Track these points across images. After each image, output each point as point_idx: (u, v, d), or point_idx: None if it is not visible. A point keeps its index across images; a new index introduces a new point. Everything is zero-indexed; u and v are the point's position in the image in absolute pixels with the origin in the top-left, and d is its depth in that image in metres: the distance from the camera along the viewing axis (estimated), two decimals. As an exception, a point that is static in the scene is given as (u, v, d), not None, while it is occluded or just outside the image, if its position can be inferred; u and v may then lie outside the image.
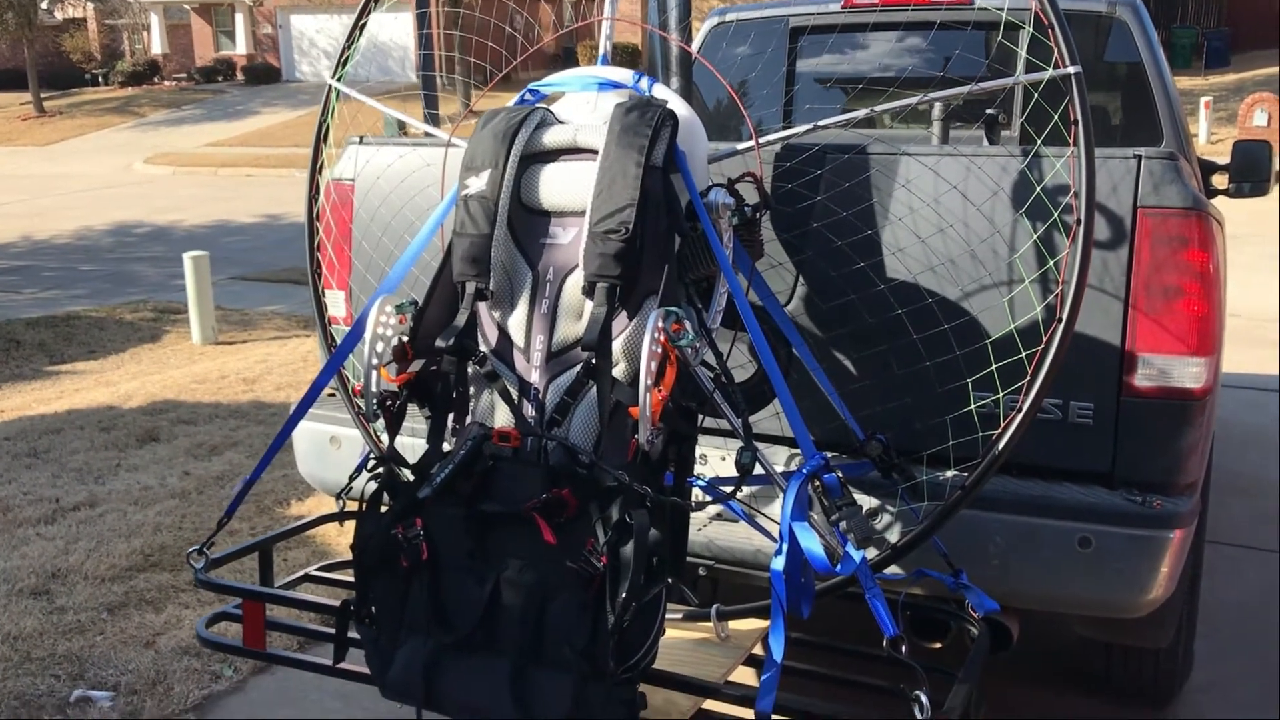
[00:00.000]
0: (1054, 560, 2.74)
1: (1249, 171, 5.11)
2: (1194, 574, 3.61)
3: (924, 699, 2.09)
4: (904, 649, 2.13)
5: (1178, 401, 2.74)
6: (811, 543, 2.17)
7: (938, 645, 2.87)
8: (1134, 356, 2.75)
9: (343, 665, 2.58)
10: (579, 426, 2.34)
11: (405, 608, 2.40)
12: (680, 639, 2.74)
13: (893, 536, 2.72)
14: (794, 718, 2.16)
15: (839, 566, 2.17)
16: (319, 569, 3.17)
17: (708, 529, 3.07)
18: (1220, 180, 5.37)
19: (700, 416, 2.59)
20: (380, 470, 2.45)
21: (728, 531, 3.02)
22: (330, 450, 3.44)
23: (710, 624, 2.74)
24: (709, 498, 2.59)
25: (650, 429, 2.19)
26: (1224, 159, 5.36)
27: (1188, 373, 2.73)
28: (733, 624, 2.76)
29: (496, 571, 2.33)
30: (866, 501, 2.74)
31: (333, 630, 2.56)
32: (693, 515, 3.07)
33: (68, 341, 10.60)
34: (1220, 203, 5.70)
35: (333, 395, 3.46)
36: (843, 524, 2.19)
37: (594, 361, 2.29)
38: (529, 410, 2.40)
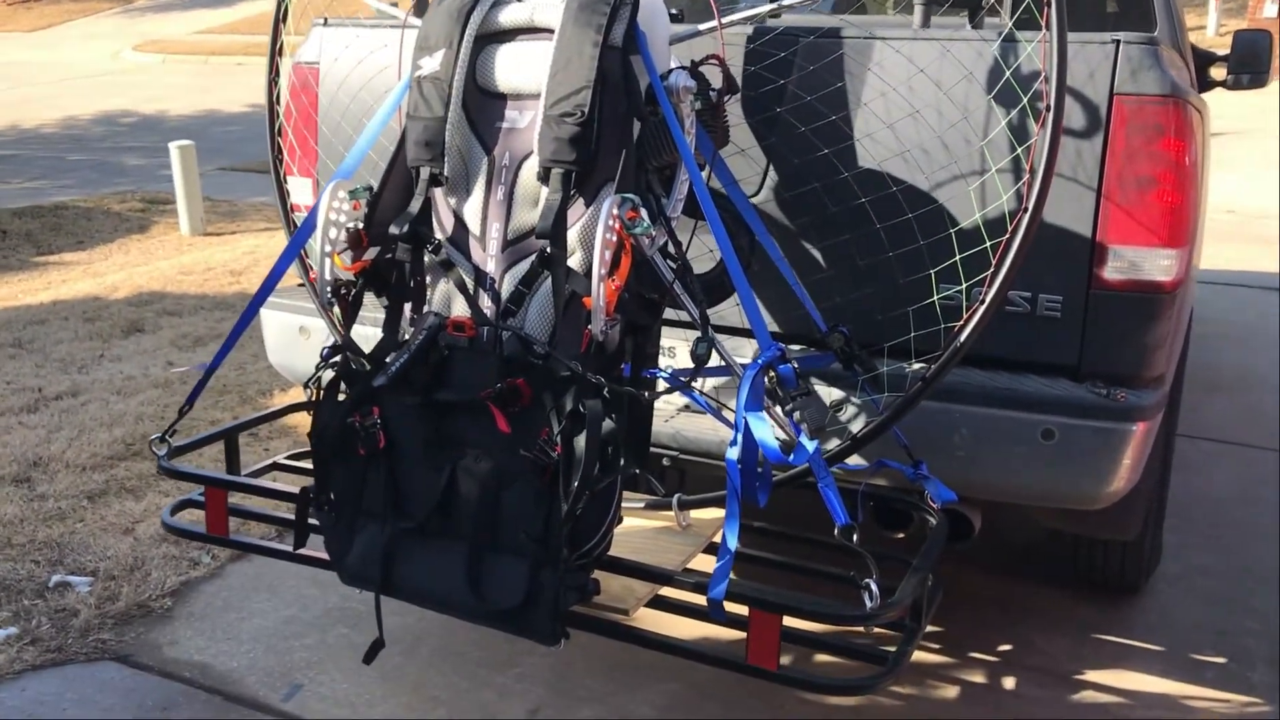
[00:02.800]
0: (1017, 452, 2.73)
1: (1248, 62, 5.00)
2: (1163, 467, 3.62)
3: (874, 587, 2.11)
4: (854, 538, 2.13)
5: (1147, 294, 2.71)
6: (764, 433, 2.16)
7: (901, 535, 2.89)
8: (1104, 248, 2.71)
9: (303, 551, 2.60)
10: (535, 317, 2.31)
11: (363, 495, 2.41)
12: (642, 528, 2.75)
13: (855, 428, 2.71)
14: (746, 604, 2.17)
15: (792, 456, 2.16)
16: (287, 457, 3.18)
17: (674, 421, 3.07)
18: (1219, 72, 5.25)
19: (663, 308, 2.56)
20: (337, 359, 2.43)
21: (694, 423, 3.02)
22: (300, 340, 3.42)
23: (672, 513, 2.75)
24: (678, 397, 2.57)
25: (604, 320, 2.17)
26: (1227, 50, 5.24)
27: (1158, 265, 2.69)
28: (695, 513, 2.77)
29: (453, 460, 2.33)
30: (829, 394, 2.72)
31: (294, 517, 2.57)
32: (661, 407, 3.07)
33: (55, 232, 10.52)
34: (1221, 96, 5.59)
35: (301, 285, 3.42)
36: (796, 414, 2.18)
37: (549, 251, 2.25)
38: (485, 300, 2.37)
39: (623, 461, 2.56)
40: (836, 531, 2.14)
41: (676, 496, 2.73)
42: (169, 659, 3.42)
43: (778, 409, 2.37)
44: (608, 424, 2.17)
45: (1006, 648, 3.64)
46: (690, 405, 2.88)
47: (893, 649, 2.28)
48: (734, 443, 2.21)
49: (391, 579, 2.37)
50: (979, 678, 3.46)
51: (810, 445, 2.15)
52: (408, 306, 2.48)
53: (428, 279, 2.43)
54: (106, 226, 10.80)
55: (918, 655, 2.58)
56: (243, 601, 3.76)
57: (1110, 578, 3.82)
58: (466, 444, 2.32)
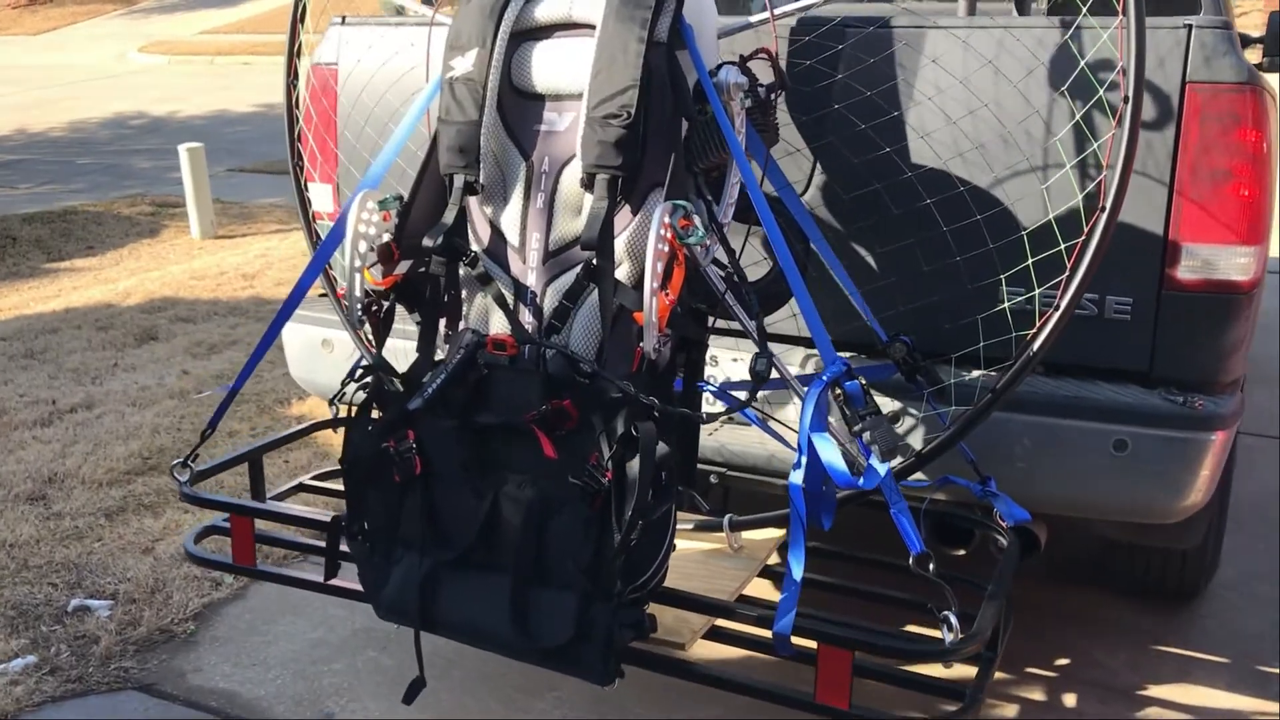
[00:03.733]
0: (1087, 464, 2.58)
1: (1286, 44, 4.81)
2: (1227, 471, 3.46)
3: (953, 619, 1.96)
4: (931, 567, 1.98)
5: (1223, 295, 2.55)
6: (832, 455, 2.01)
7: (961, 552, 2.74)
8: (1177, 247, 2.55)
9: (335, 582, 2.46)
10: (580, 333, 2.16)
11: (399, 523, 2.27)
12: (691, 550, 2.60)
13: (917, 443, 2.56)
14: (815, 640, 2.02)
15: (862, 480, 2.01)
16: (313, 477, 3.04)
17: (719, 434, 2.92)
18: (1253, 55, 5.06)
19: (711, 319, 2.42)
20: (368, 379, 2.29)
21: (740, 436, 2.87)
22: (322, 353, 3.28)
23: (723, 534, 2.60)
24: (721, 405, 2.42)
25: (656, 336, 2.02)
26: (1253, 31, 5.07)
27: (1235, 263, 2.54)
28: (746, 534, 2.62)
29: (495, 486, 2.19)
30: (888, 406, 2.57)
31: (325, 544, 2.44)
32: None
33: (65, 238, 10.41)
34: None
35: (324, 296, 3.28)
36: (866, 434, 2.03)
37: (594, 262, 2.11)
38: (526, 315, 2.22)
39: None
40: (912, 561, 1.99)
41: (728, 517, 2.59)
42: (194, 687, 3.29)
43: (834, 423, 2.21)
44: (662, 448, 2.02)
45: (1064, 661, 3.48)
46: (735, 417, 2.73)
47: (965, 679, 2.14)
48: (798, 465, 2.06)
49: (431, 613, 2.23)
50: (1038, 694, 3.31)
51: (882, 469, 2.00)
52: (443, 323, 2.33)
53: (464, 293, 2.29)
54: (117, 231, 10.69)
55: (970, 670, 2.45)
56: (267, 624, 3.62)
57: (1169, 587, 3.66)
58: (509, 469, 2.18)
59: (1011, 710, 3.24)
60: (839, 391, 2.08)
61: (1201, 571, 3.61)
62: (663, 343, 2.03)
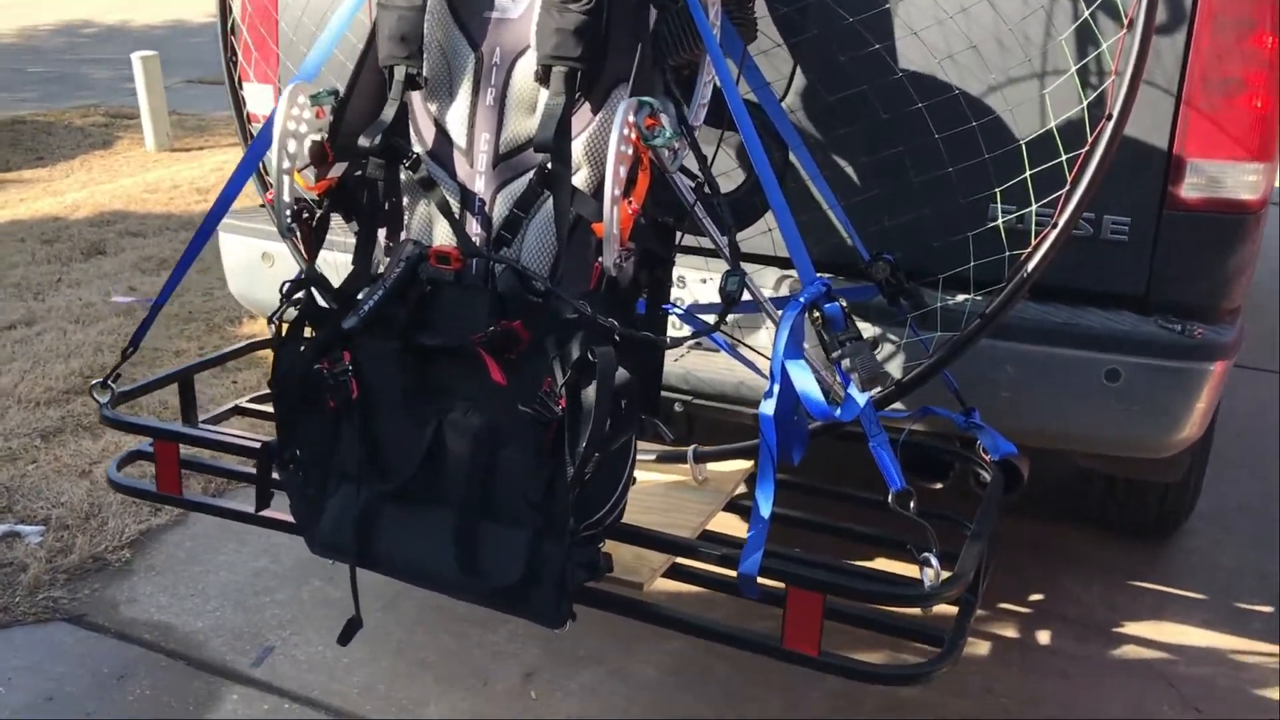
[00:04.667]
0: (1076, 395, 2.42)
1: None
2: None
3: (935, 562, 1.80)
4: (912, 505, 1.82)
5: (1229, 215, 2.38)
6: (808, 384, 1.83)
7: (937, 486, 2.58)
8: (1182, 162, 2.37)
9: (267, 514, 2.27)
10: (533, 246, 1.96)
11: (334, 453, 2.08)
12: (652, 483, 2.44)
13: (897, 371, 2.39)
14: (784, 582, 1.86)
15: (840, 411, 1.83)
16: (251, 400, 2.84)
17: (685, 359, 2.74)
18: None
19: (678, 234, 2.22)
20: (300, 295, 2.08)
21: (707, 363, 2.69)
22: (262, 267, 3.06)
23: (686, 466, 2.43)
24: (688, 330, 2.23)
25: (618, 250, 1.82)
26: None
27: (1243, 181, 2.36)
28: (711, 466, 2.45)
29: (439, 414, 2.00)
30: (867, 330, 2.39)
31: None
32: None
33: (13, 148, 10.01)
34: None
35: (264, 207, 3.05)
36: (845, 361, 1.85)
37: (549, 166, 1.89)
38: (473, 225, 2.01)
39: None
40: (891, 498, 1.83)
41: (693, 448, 2.41)
42: (127, 619, 3.11)
43: (810, 349, 2.03)
44: (621, 374, 1.84)
45: (1038, 597, 3.37)
46: (703, 341, 2.54)
47: (945, 619, 1.99)
48: (769, 394, 1.88)
49: (369, 549, 2.06)
50: (1011, 631, 3.20)
51: (862, 399, 1.82)
52: (383, 233, 2.12)
53: (405, 200, 2.07)
54: (68, 142, 10.30)
55: (941, 607, 2.31)
56: (209, 553, 3.44)
57: (1147, 522, 3.54)
58: (455, 395, 1.99)
59: (984, 648, 3.12)
60: (817, 315, 1.89)
61: (1182, 506, 3.49)
62: (624, 258, 1.83)
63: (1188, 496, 3.46)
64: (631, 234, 1.84)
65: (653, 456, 2.46)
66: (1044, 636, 3.18)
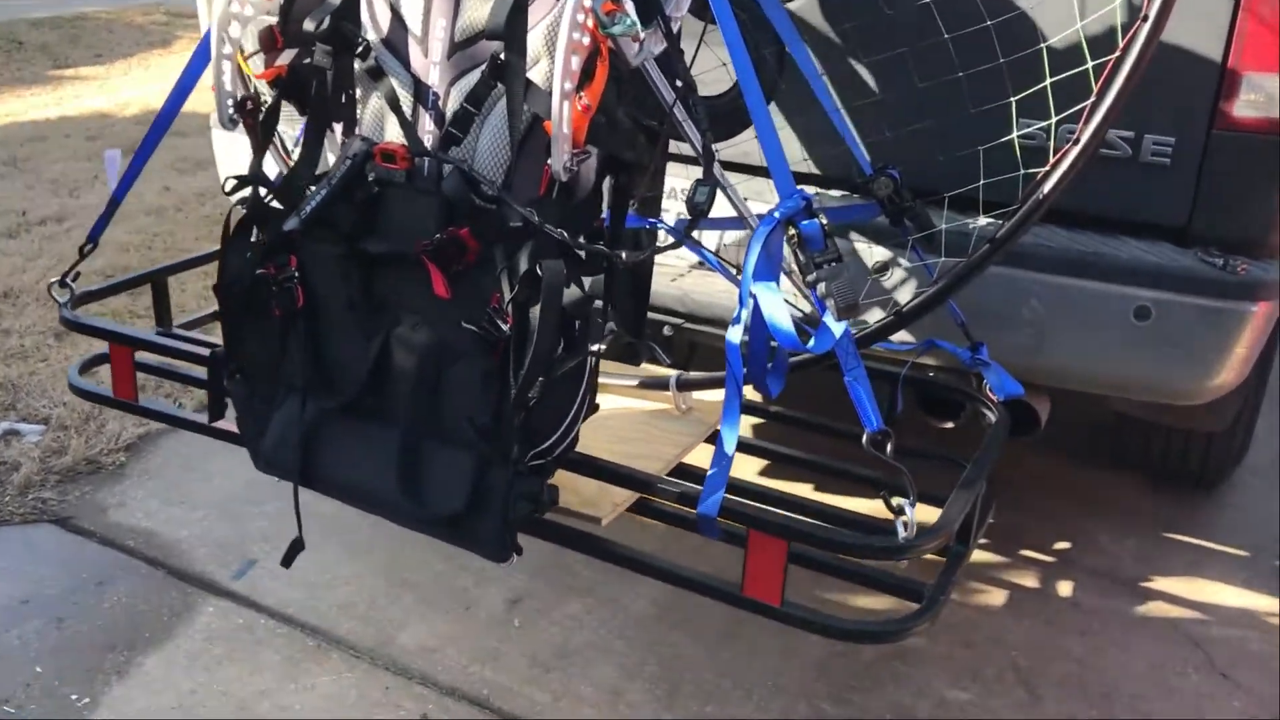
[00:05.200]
0: (1102, 333, 2.21)
1: None
2: (1268, 347, 3.07)
3: (909, 512, 1.62)
4: (888, 449, 1.63)
5: (1286, 138, 2.12)
6: (776, 310, 1.64)
7: (950, 425, 2.39)
8: (1236, 76, 2.11)
9: (220, 425, 2.16)
10: (488, 146, 1.78)
11: (280, 364, 1.94)
12: (633, 410, 2.27)
13: (902, 297, 2.19)
14: (744, 525, 1.70)
15: (813, 342, 1.65)
16: (231, 305, 2.71)
17: (684, 280, 2.56)
18: None
19: (665, 140, 2.03)
20: (249, 194, 1.93)
21: (706, 284, 2.51)
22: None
23: (669, 393, 2.26)
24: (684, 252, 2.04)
25: (569, 152, 1.63)
26: None
27: (1305, 100, 2.09)
28: (696, 395, 2.28)
29: (386, 326, 1.86)
30: (871, 254, 2.19)
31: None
32: (668, 263, 2.56)
33: (73, 44, 10.01)
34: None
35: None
36: (820, 286, 1.65)
37: (502, 57, 1.71)
38: (426, 122, 1.84)
39: (609, 332, 2.08)
40: (865, 439, 1.65)
41: (675, 375, 2.24)
42: (113, 524, 3.06)
43: (799, 275, 1.84)
44: (574, 292, 1.67)
45: (1064, 545, 3.17)
46: (704, 262, 2.36)
47: (931, 579, 1.82)
48: (737, 320, 1.70)
49: (312, 468, 1.93)
50: (1030, 581, 3.01)
51: (837, 328, 1.63)
52: (339, 129, 1.95)
53: (358, 92, 1.90)
54: (128, 40, 10.28)
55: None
56: (205, 460, 3.37)
57: (1189, 472, 3.31)
58: (403, 308, 1.84)
59: (999, 596, 2.94)
60: (794, 232, 1.69)
61: (1228, 457, 3.26)
62: (577, 161, 1.64)
63: (1235, 446, 3.22)
64: (589, 135, 1.65)
65: (634, 382, 2.30)
66: (1065, 588, 2.99)
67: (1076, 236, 2.25)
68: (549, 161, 1.65)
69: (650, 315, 2.41)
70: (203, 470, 3.32)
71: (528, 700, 2.49)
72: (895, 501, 1.63)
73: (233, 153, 3.03)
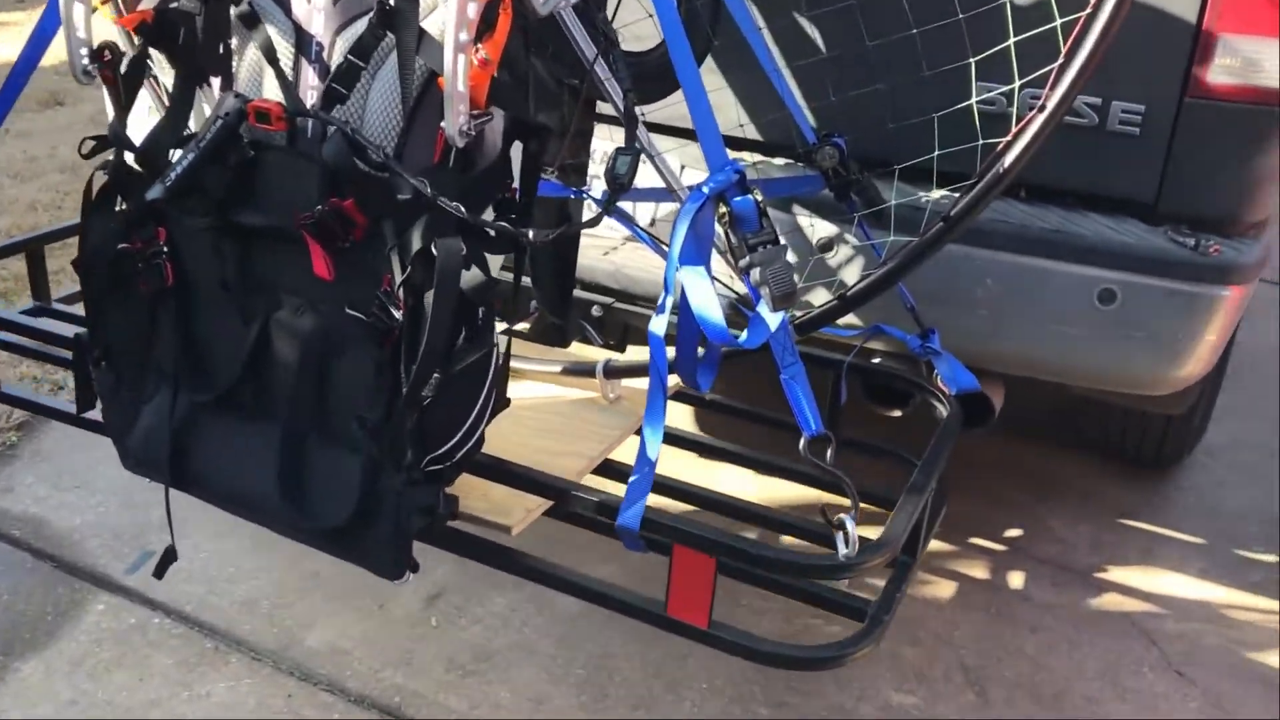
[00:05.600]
0: (1063, 318, 2.04)
1: None
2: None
3: (850, 527, 1.44)
4: (829, 454, 1.45)
5: (1265, 106, 1.95)
6: (704, 298, 1.44)
7: (897, 413, 2.22)
8: (1212, 38, 1.94)
9: (91, 416, 1.94)
10: (379, 106, 1.56)
11: (149, 350, 1.72)
12: (557, 400, 2.08)
13: (847, 278, 2.00)
14: (668, 539, 1.51)
15: (744, 336, 1.45)
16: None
17: (616, 254, 2.35)
18: None
19: (591, 101, 1.81)
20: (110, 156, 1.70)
21: (640, 259, 2.30)
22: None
23: (596, 380, 2.07)
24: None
25: (466, 114, 1.42)
26: None
27: (1285, 66, 1.92)
28: (626, 382, 2.08)
29: (265, 310, 1.64)
30: (814, 229, 2.00)
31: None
32: (598, 236, 2.35)
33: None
34: None
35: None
36: (755, 272, 1.45)
37: (392, 2, 1.48)
38: (309, 76, 1.61)
39: (532, 310, 1.88)
40: (803, 445, 1.46)
41: (603, 361, 2.04)
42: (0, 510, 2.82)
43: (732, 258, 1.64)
44: (474, 275, 1.46)
45: (1015, 533, 3.03)
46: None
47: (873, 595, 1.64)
48: (661, 309, 1.50)
49: (184, 468, 1.72)
50: (979, 571, 2.86)
51: (773, 320, 1.44)
52: (217, 83, 1.72)
53: (234, 42, 1.67)
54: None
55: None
56: (105, 440, 3.11)
57: (1145, 454, 3.18)
58: (283, 289, 1.62)
59: (947, 589, 2.79)
60: (724, 209, 1.49)
61: (1187, 439, 3.12)
62: (476, 124, 1.42)
63: (1194, 428, 3.09)
64: (492, 94, 1.44)
65: (557, 368, 2.10)
66: (1017, 579, 2.85)
67: (1036, 211, 2.07)
68: (443, 125, 1.43)
69: (579, 293, 2.21)
70: (101, 452, 3.05)
71: (442, 708, 2.31)
72: (835, 516, 1.44)
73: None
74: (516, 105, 1.50)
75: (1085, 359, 2.06)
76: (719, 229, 1.50)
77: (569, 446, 1.91)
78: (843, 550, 1.45)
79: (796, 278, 1.47)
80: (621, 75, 1.56)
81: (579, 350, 2.24)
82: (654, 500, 1.54)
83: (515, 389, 2.07)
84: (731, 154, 2.19)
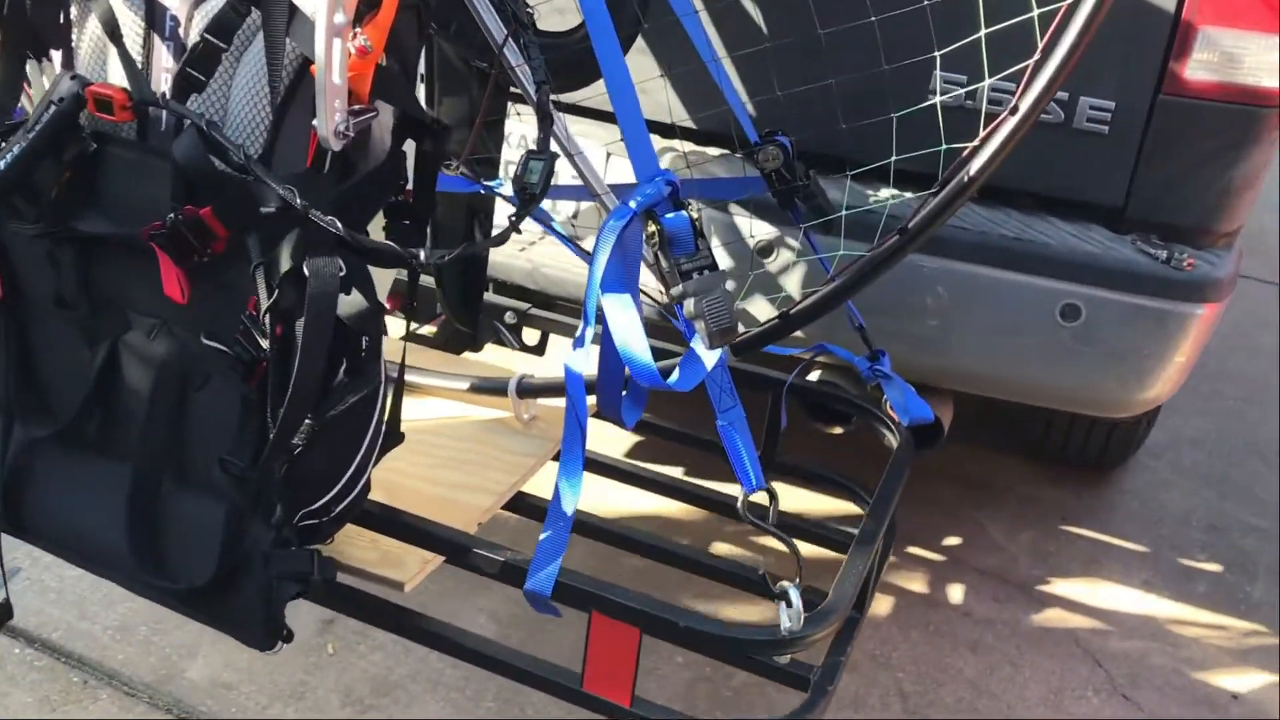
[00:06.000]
0: (1021, 334, 1.86)
1: None
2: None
3: (793, 597, 1.24)
4: (771, 512, 1.25)
5: (1245, 106, 1.79)
6: (629, 331, 1.23)
7: (838, 431, 2.03)
8: (1191, 31, 1.76)
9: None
10: (245, 96, 1.31)
11: (-19, 374, 1.46)
12: (464, 423, 1.85)
13: (790, 292, 1.80)
14: (582, 606, 1.31)
15: (675, 378, 1.24)
16: None
17: (534, 250, 2.12)
18: None
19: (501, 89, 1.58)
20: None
21: (559, 258, 2.08)
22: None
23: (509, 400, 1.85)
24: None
25: (340, 110, 1.18)
26: None
27: (1265, 61, 1.76)
28: (542, 402, 1.86)
29: (112, 332, 1.39)
30: (749, 231, 1.79)
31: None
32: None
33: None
34: None
35: None
36: (689, 303, 1.23)
37: (256, -29, 1.24)
38: (163, 57, 1.35)
39: (437, 314, 1.65)
40: (741, 502, 1.26)
41: (515, 379, 1.82)
42: None
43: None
44: (354, 300, 1.23)
45: (954, 541, 2.88)
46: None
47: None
48: (579, 341, 1.28)
49: (21, 512, 1.46)
50: (917, 584, 2.71)
51: (709, 358, 1.23)
52: (58, 58, 1.45)
53: (73, 11, 1.40)
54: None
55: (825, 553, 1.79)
56: None
57: (1089, 456, 3.04)
58: (135, 308, 1.37)
59: (884, 604, 2.63)
60: (654, 228, 1.27)
61: (1132, 442, 2.99)
62: (355, 121, 1.18)
63: (1140, 431, 2.96)
64: (375, 86, 1.20)
65: (465, 384, 1.87)
66: (956, 593, 2.70)
67: (993, 214, 1.89)
68: (314, 124, 1.19)
69: (492, 297, 1.99)
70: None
71: (337, 750, 2.09)
72: (778, 585, 1.25)
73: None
74: (407, 99, 1.26)
75: (1044, 379, 1.89)
76: (647, 251, 1.29)
77: (476, 479, 1.69)
78: (785, 624, 1.26)
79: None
80: (536, 62, 1.33)
81: (492, 358, 2.01)
82: (572, 543, 1.34)
83: (417, 409, 1.85)
84: (660, 143, 1.98)
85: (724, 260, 1.93)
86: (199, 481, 1.36)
